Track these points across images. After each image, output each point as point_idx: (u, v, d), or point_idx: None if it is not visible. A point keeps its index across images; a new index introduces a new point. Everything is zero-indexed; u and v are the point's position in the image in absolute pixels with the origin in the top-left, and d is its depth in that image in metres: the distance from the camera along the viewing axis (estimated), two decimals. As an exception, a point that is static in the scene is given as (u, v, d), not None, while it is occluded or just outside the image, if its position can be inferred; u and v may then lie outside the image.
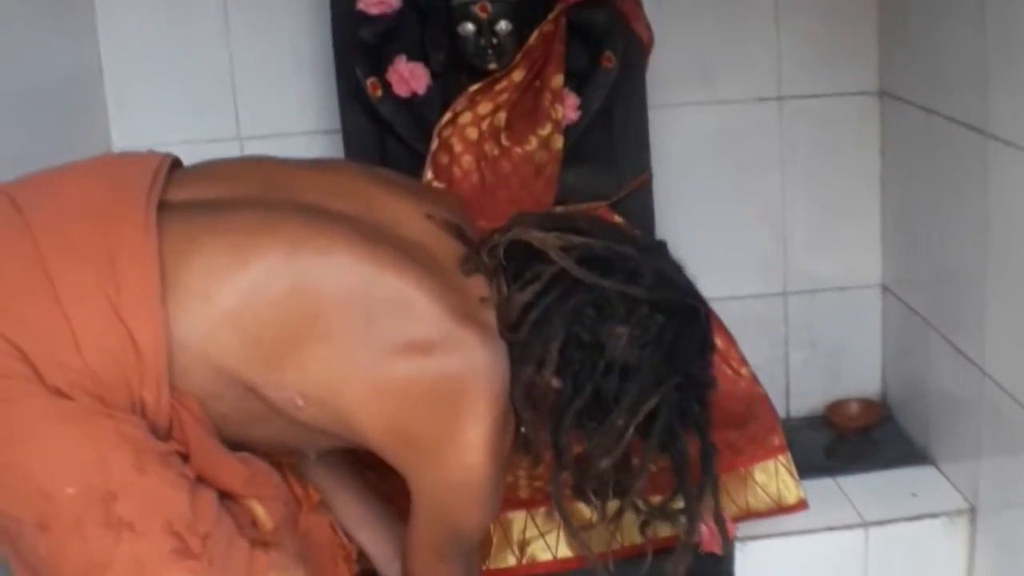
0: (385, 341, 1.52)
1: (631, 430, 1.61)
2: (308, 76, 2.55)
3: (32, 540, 1.41)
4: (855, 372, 2.77)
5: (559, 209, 2.28)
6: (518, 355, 1.61)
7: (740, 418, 2.30)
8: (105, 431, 1.41)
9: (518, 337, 1.61)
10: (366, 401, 1.54)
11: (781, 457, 2.29)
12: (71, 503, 1.39)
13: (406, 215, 1.65)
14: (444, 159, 2.30)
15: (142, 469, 1.42)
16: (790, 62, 2.63)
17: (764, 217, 2.70)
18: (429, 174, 2.30)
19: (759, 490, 2.27)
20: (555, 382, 1.60)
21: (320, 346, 1.51)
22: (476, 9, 2.24)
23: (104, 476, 1.40)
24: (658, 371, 1.60)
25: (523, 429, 1.65)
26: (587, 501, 1.74)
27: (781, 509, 2.27)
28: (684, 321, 1.64)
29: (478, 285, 1.63)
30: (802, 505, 2.28)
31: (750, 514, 2.25)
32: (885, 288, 2.73)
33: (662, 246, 1.75)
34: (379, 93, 2.29)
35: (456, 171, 2.31)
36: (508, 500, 2.04)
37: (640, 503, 1.74)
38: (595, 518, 1.78)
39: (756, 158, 2.67)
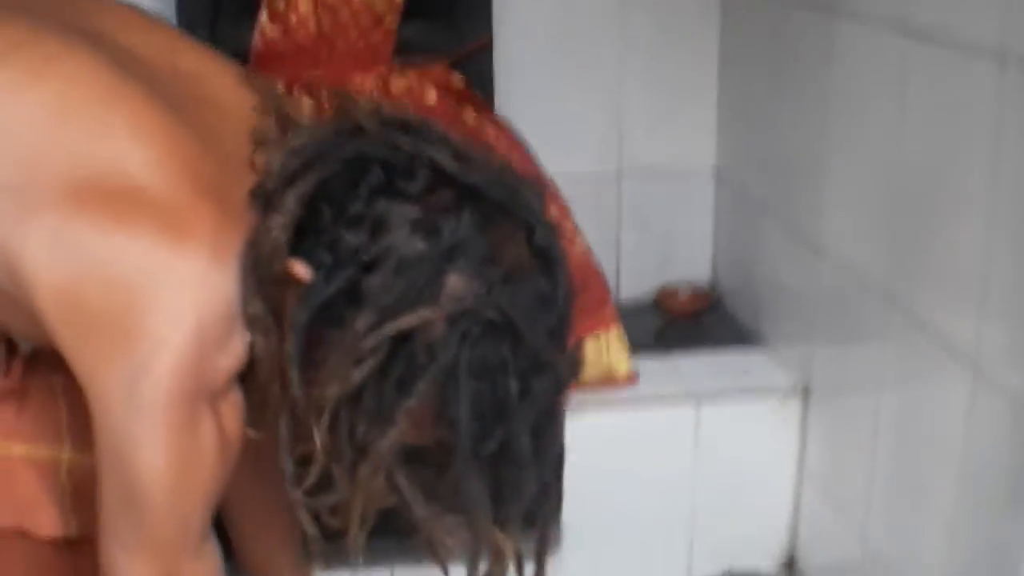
0: (87, 180, 1.25)
1: (380, 347, 1.21)
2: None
3: None
4: (686, 256, 2.75)
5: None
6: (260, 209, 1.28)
7: (572, 288, 2.26)
8: None
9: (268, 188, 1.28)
10: (46, 244, 1.24)
11: (613, 328, 2.27)
12: None
13: (215, 73, 1.44)
14: (280, 5, 2.19)
15: None
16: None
17: (601, 95, 2.64)
18: (264, 17, 2.20)
19: (587, 365, 2.23)
20: (300, 268, 1.25)
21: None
22: None
23: None
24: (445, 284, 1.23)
25: (249, 337, 1.29)
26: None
27: (611, 381, 2.25)
28: (502, 228, 1.28)
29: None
30: (632, 378, 2.27)
31: (579, 384, 2.21)
32: (718, 173, 2.70)
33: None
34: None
35: (293, 18, 2.21)
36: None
37: (399, 477, 1.29)
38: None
39: (596, 33, 2.60)
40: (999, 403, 1.62)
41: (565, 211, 2.28)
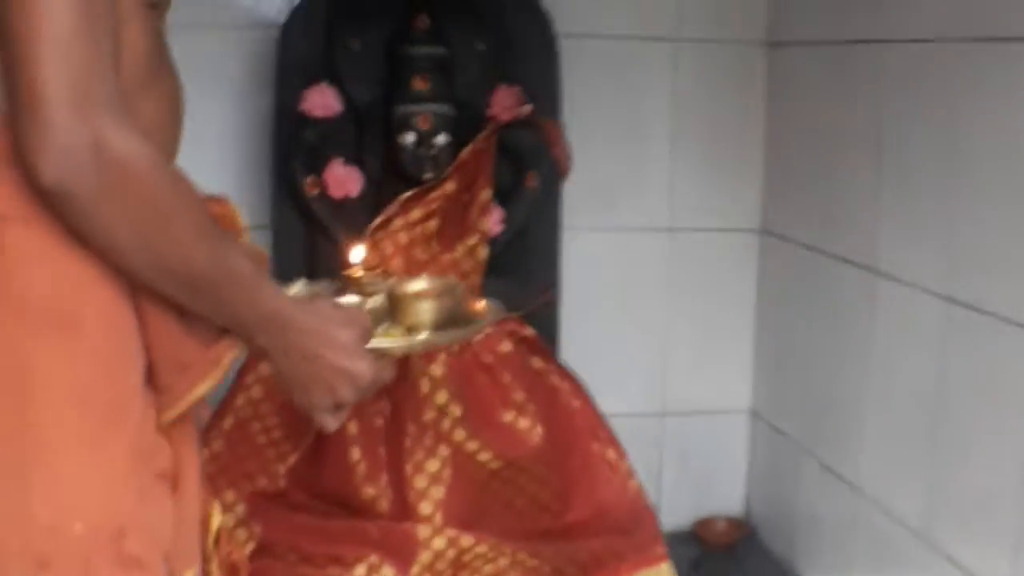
0: None
1: None
2: (242, 169, 2.63)
3: None
4: (721, 492, 2.95)
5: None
6: None
7: (626, 527, 2.43)
8: (119, 453, 1.32)
9: None
10: None
11: (663, 565, 2.42)
12: (79, 542, 1.28)
13: None
14: (375, 261, 2.38)
15: (144, 495, 1.34)
16: (681, 197, 2.84)
17: (647, 341, 2.88)
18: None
19: (643, 595, 2.40)
20: None
21: None
22: (418, 120, 2.36)
23: (114, 510, 1.30)
24: None
25: None
26: None
27: (662, 615, 2.41)
28: None
29: None
30: (682, 612, 2.42)
31: (638, 619, 2.38)
32: (754, 413, 2.92)
33: None
34: (316, 192, 2.38)
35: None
36: None
37: None
38: None
39: (646, 286, 2.86)
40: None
41: (622, 453, 2.47)
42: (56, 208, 1.24)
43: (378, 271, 2.04)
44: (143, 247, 1.28)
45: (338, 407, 1.55)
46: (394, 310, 1.76)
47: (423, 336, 1.73)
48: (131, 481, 1.33)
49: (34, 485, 1.28)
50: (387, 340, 1.68)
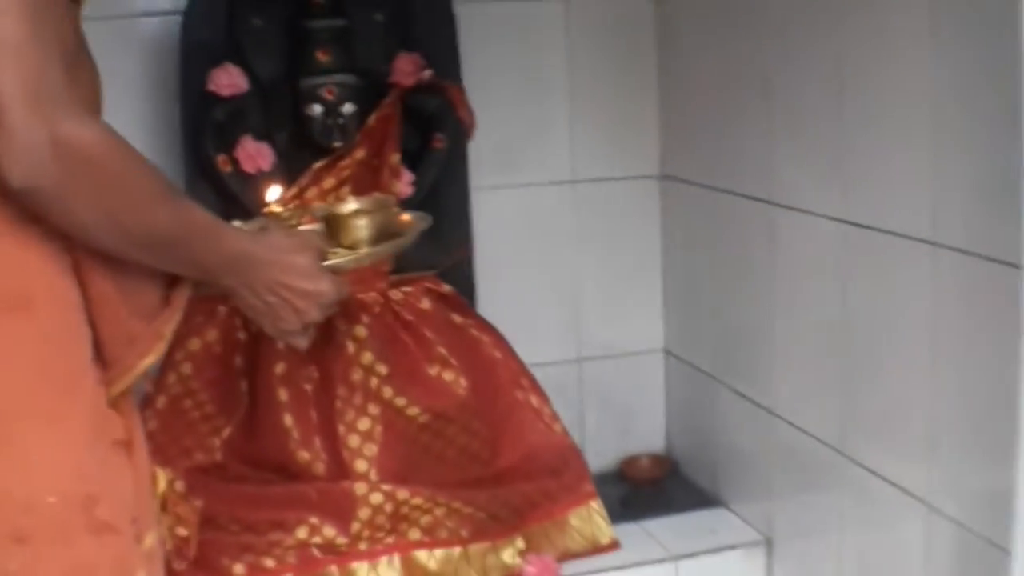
0: None
1: None
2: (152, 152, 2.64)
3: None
4: (643, 430, 3.05)
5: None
6: None
7: (555, 468, 2.52)
8: (78, 425, 1.38)
9: None
10: None
11: (593, 502, 2.52)
12: (53, 513, 1.34)
13: None
14: (289, 196, 2.43)
15: (106, 463, 1.41)
16: (582, 150, 2.93)
17: (560, 290, 2.97)
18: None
19: (575, 534, 2.48)
20: None
21: None
22: (324, 92, 2.42)
23: (83, 480, 1.37)
24: None
25: None
26: None
27: (596, 549, 2.50)
28: None
29: None
30: (615, 545, 2.51)
31: (568, 555, 2.47)
32: (667, 351, 3.02)
33: None
34: (228, 169, 2.43)
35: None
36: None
37: None
38: None
39: (555, 236, 2.95)
40: (950, 533, 1.93)
41: (544, 398, 2.57)
42: (25, 203, 1.32)
43: (295, 204, 2.16)
44: (110, 224, 1.37)
45: (306, 328, 1.68)
46: (333, 231, 1.92)
47: (370, 249, 1.90)
48: (95, 451, 1.40)
49: (3, 463, 1.33)
50: (339, 257, 1.82)
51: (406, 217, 2.10)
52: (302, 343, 1.74)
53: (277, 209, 2.09)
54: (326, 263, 1.73)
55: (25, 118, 1.26)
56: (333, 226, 1.94)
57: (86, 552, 1.38)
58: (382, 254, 2.01)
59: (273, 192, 2.18)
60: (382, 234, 1.95)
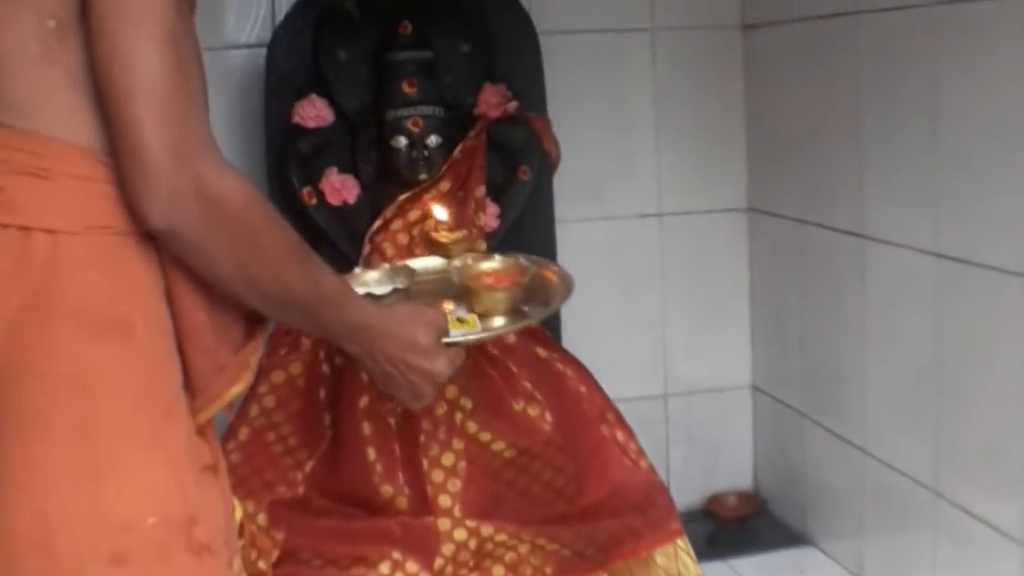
0: None
1: None
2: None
3: None
4: (729, 467, 3.00)
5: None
6: None
7: (641, 505, 2.48)
8: (177, 449, 1.39)
9: None
10: None
11: (679, 540, 2.46)
12: (153, 534, 1.34)
13: None
14: (376, 263, 2.43)
15: (200, 486, 1.41)
16: (669, 182, 2.90)
17: (646, 325, 2.94)
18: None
19: (661, 572, 2.43)
20: None
21: None
22: (409, 123, 2.41)
23: (182, 501, 1.37)
24: None
25: None
26: None
27: (684, 590, 2.46)
28: None
29: None
30: (702, 585, 2.47)
31: (656, 596, 2.43)
32: (755, 387, 2.97)
33: None
34: (314, 201, 2.43)
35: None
36: None
37: None
38: None
39: (640, 273, 2.93)
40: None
41: (630, 434, 2.53)
42: (164, 244, 1.35)
43: (462, 232, 2.16)
44: (242, 276, 1.40)
45: (418, 398, 1.76)
46: (468, 297, 1.96)
47: (492, 331, 1.94)
48: (190, 474, 1.40)
49: (106, 485, 1.33)
50: (460, 333, 1.86)
51: (550, 274, 2.10)
52: (415, 407, 1.83)
53: (444, 237, 2.16)
54: (448, 339, 1.76)
55: (170, 164, 1.29)
56: (469, 293, 1.97)
57: (185, 572, 1.37)
58: (510, 330, 2.02)
59: (440, 212, 2.21)
60: (518, 304, 1.97)
